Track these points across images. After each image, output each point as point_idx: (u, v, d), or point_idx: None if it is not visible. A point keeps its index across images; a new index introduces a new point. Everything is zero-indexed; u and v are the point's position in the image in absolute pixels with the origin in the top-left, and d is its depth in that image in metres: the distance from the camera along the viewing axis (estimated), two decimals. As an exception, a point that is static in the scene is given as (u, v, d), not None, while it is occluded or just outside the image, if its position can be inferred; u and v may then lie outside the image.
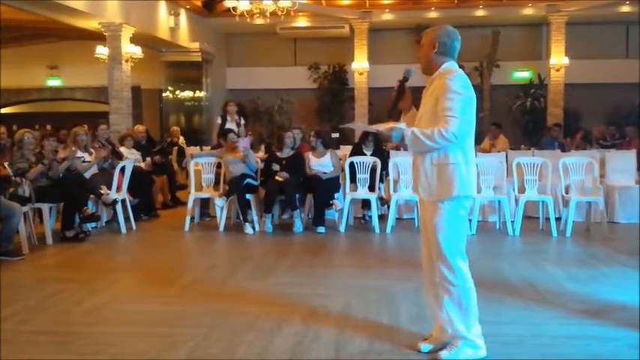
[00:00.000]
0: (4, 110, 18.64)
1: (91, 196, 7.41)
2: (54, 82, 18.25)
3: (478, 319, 3.47)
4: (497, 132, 11.56)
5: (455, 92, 3.26)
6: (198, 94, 16.20)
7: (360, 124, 3.40)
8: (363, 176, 8.00)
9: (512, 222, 7.57)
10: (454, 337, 3.45)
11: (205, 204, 8.74)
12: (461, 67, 3.55)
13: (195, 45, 15.39)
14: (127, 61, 12.30)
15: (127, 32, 12.16)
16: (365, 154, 8.27)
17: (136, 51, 12.63)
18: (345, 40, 16.73)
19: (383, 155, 8.33)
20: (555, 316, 4.23)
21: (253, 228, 7.72)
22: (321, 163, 8.10)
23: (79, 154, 7.84)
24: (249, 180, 7.89)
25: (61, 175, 7.12)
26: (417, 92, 3.59)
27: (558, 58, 15.61)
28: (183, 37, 14.93)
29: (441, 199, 3.35)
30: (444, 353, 3.43)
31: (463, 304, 3.39)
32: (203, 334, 3.85)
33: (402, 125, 3.37)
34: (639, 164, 9.00)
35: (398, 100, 3.60)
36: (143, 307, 4.55)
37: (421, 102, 3.54)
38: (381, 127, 3.42)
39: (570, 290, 4.90)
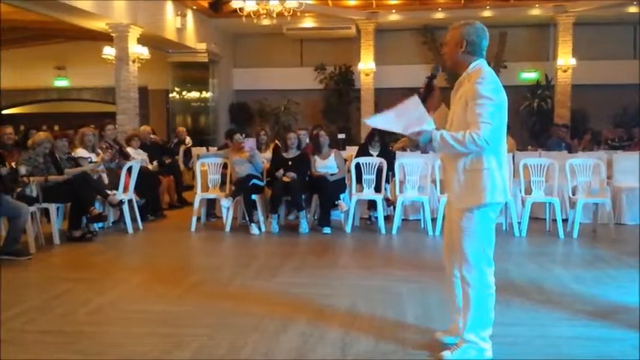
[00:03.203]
0: (11, 110, 18.74)
1: (98, 196, 7.43)
2: (61, 83, 18.34)
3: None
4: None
5: (485, 97, 3.17)
6: (204, 94, 16.24)
7: (385, 121, 3.08)
8: (369, 177, 8.00)
9: (519, 223, 7.55)
10: (461, 339, 3.45)
11: (212, 204, 8.76)
12: None
13: (202, 46, 15.43)
14: (134, 61, 12.35)
15: (134, 33, 12.21)
16: (371, 155, 8.27)
17: (143, 52, 12.69)
18: (351, 40, 16.74)
19: (389, 156, 8.32)
20: (562, 317, 4.22)
21: (259, 228, 7.73)
22: (326, 165, 8.09)
23: (86, 154, 7.87)
24: (255, 180, 7.90)
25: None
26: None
27: (565, 59, 15.57)
28: (190, 38, 14.97)
29: (471, 206, 3.29)
30: (446, 354, 3.41)
31: (480, 310, 3.35)
32: (208, 335, 3.86)
33: (429, 127, 3.24)
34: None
35: (426, 98, 3.45)
36: (149, 307, 4.57)
37: (451, 104, 3.45)
38: (409, 131, 3.25)
39: (576, 292, 4.88)
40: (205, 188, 8.31)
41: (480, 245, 3.31)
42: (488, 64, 3.42)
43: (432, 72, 3.50)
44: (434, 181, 8.05)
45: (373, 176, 7.99)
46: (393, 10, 15.96)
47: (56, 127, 16.29)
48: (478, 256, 3.32)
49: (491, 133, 3.14)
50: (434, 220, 7.64)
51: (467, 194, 3.30)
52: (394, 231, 7.69)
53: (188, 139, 12.98)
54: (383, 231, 7.71)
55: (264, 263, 6.16)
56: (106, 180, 7.82)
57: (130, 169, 7.93)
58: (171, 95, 16.46)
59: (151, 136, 10.71)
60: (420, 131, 3.22)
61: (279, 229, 7.83)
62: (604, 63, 15.93)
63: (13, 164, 6.77)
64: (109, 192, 7.52)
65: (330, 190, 7.79)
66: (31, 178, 6.71)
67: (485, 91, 3.18)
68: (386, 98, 16.43)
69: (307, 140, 8.69)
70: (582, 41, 15.59)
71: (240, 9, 11.67)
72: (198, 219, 8.27)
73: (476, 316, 3.36)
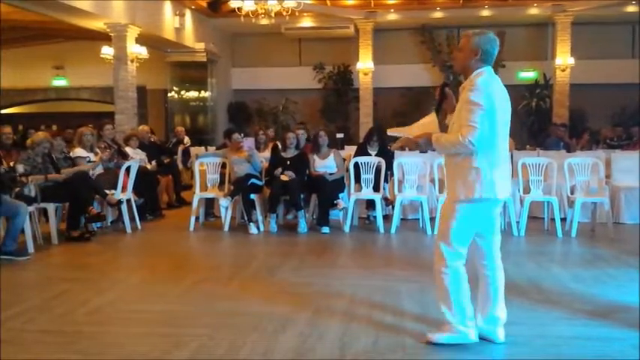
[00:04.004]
0: (10, 110, 18.72)
1: (97, 196, 7.43)
2: (60, 82, 18.32)
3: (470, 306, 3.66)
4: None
5: (474, 104, 3.41)
6: (203, 94, 16.24)
7: (400, 133, 3.93)
8: (367, 176, 8.00)
9: (517, 222, 7.56)
10: (444, 321, 3.66)
11: (210, 204, 8.76)
12: None
13: (201, 45, 15.43)
14: (132, 61, 12.35)
15: (133, 33, 12.21)
16: (370, 155, 8.27)
17: (142, 51, 12.68)
18: (350, 40, 16.75)
19: (388, 155, 8.31)
20: (561, 316, 4.22)
21: (258, 228, 7.73)
22: (325, 165, 8.09)
23: (85, 154, 7.87)
24: (253, 180, 7.89)
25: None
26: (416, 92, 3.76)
27: (564, 58, 15.58)
28: (189, 38, 14.97)
29: (459, 200, 3.53)
30: (435, 336, 3.66)
31: (453, 288, 3.59)
32: (207, 334, 3.85)
33: (432, 131, 3.65)
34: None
35: (441, 103, 3.80)
36: (148, 306, 4.57)
37: None
38: (418, 136, 3.68)
39: (575, 291, 4.88)
40: (204, 188, 8.31)
41: (459, 231, 3.56)
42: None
43: (445, 80, 3.87)
44: (432, 181, 8.07)
45: (372, 176, 7.99)
46: (392, 10, 15.96)
47: (54, 127, 16.30)
48: (458, 239, 3.58)
49: (476, 135, 3.38)
50: (432, 219, 7.64)
51: (455, 189, 3.57)
52: (393, 230, 7.69)
53: (186, 139, 12.97)
54: (382, 230, 7.71)
55: (263, 263, 6.16)
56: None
57: (128, 169, 7.92)
58: (169, 95, 16.45)
59: (150, 137, 10.69)
60: (423, 134, 3.65)
61: (278, 228, 7.83)
62: (602, 62, 15.95)
63: (11, 164, 6.76)
64: (107, 192, 7.51)
65: (328, 190, 7.79)
66: (30, 178, 6.69)
67: (475, 98, 3.41)
68: (385, 97, 16.48)
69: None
70: (580, 40, 15.60)
71: (239, 8, 11.66)
72: (197, 218, 8.27)
73: (448, 294, 3.62)
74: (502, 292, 3.68)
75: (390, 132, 4.01)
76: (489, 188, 3.47)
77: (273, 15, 11.78)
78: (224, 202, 7.76)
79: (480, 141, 3.38)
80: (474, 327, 3.62)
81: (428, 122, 3.75)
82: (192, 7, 14.90)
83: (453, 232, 3.57)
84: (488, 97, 3.42)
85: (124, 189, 7.79)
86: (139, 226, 8.02)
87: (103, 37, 12.75)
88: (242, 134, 8.75)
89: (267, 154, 8.53)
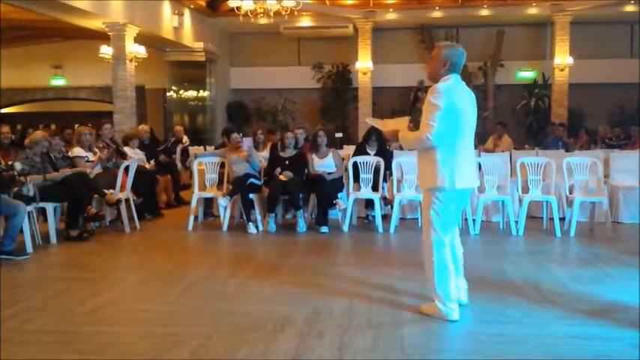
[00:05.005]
0: (8, 109, 18.71)
1: (95, 195, 7.42)
2: (58, 82, 18.31)
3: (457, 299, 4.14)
4: (502, 131, 11.54)
5: (433, 105, 3.90)
6: (202, 93, 16.24)
7: (376, 124, 4.60)
8: (366, 176, 8.00)
9: (516, 222, 7.55)
10: (433, 295, 4.12)
11: (209, 204, 8.76)
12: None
13: (199, 45, 15.43)
14: (131, 60, 12.34)
15: (131, 32, 12.21)
16: (368, 154, 8.27)
17: (140, 50, 12.68)
18: (348, 39, 16.75)
19: (386, 155, 8.31)
20: (559, 316, 4.22)
21: (257, 227, 7.73)
22: (324, 164, 8.09)
23: (83, 153, 7.87)
24: (252, 179, 7.89)
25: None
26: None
27: (562, 58, 15.59)
28: (187, 37, 14.97)
29: (426, 188, 4.09)
30: (423, 307, 4.22)
31: (437, 272, 4.05)
32: (206, 334, 3.85)
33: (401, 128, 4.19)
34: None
35: (414, 104, 4.34)
36: (146, 306, 4.56)
37: None
38: (388, 131, 4.30)
39: (574, 290, 4.88)
40: (203, 187, 8.31)
41: (439, 220, 4.04)
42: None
43: (417, 85, 4.22)
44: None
45: (370, 175, 7.99)
46: (391, 9, 15.97)
47: (53, 126, 16.29)
48: (439, 228, 4.05)
49: (434, 132, 3.88)
50: (431, 218, 7.62)
51: (422, 178, 4.18)
52: (392, 230, 7.70)
53: (185, 138, 12.97)
54: (380, 230, 7.71)
55: (262, 262, 6.16)
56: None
57: (127, 169, 7.92)
58: (168, 94, 16.45)
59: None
60: (392, 130, 4.24)
61: (277, 228, 7.82)
62: (601, 62, 15.97)
63: (9, 163, 6.75)
64: (106, 191, 7.51)
65: (327, 190, 7.78)
66: (28, 177, 6.68)
67: (434, 100, 3.90)
68: (384, 97, 16.48)
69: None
70: (579, 40, 15.62)
71: (238, 8, 11.66)
72: (196, 218, 8.27)
73: (436, 276, 4.07)
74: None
75: (368, 120, 4.62)
76: (448, 179, 3.93)
77: (272, 14, 11.79)
78: (223, 202, 7.76)
79: (437, 137, 3.88)
80: (457, 307, 4.07)
81: (400, 120, 4.30)
82: (191, 6, 14.90)
83: (433, 219, 4.05)
84: (448, 100, 3.87)
85: (122, 188, 7.78)
86: (138, 226, 8.02)
87: (101, 37, 12.74)
88: (241, 134, 8.75)
89: (265, 153, 8.52)
